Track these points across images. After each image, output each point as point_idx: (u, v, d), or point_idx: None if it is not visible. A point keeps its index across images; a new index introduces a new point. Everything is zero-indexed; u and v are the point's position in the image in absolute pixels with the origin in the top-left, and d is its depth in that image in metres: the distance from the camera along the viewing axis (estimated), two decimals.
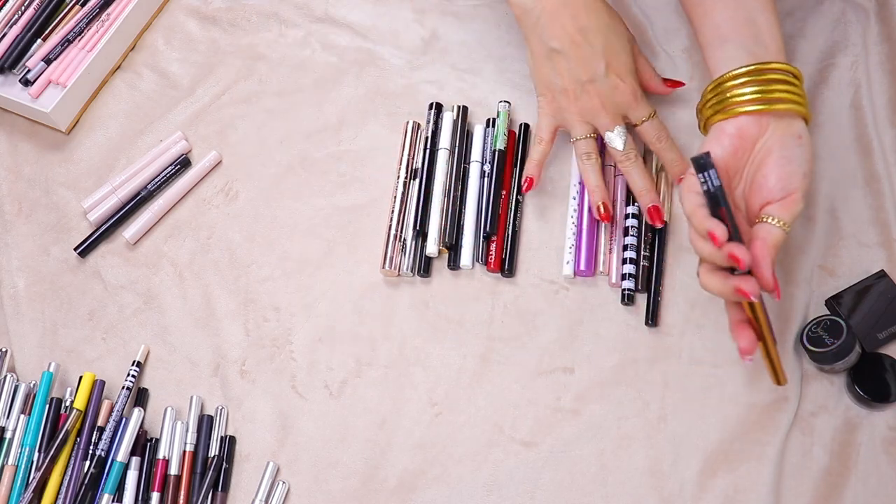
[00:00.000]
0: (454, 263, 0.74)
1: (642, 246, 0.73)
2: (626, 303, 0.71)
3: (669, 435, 0.67)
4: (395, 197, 0.77)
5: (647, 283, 0.72)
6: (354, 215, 0.78)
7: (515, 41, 0.85)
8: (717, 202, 0.56)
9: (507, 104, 0.80)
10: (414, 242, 0.75)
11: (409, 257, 0.75)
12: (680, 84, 0.75)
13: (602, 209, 0.71)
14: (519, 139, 0.79)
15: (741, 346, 0.58)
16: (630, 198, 0.75)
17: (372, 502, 0.67)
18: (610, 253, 0.73)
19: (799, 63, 0.81)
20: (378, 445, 0.69)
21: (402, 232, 0.75)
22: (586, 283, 0.73)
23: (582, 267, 0.73)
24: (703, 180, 0.56)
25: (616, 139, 0.70)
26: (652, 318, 0.70)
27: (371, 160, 0.81)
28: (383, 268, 0.74)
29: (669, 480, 0.66)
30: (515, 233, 0.75)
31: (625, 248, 0.73)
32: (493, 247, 0.74)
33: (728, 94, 0.61)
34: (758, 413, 0.67)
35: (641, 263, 0.72)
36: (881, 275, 0.70)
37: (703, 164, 0.56)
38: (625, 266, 0.72)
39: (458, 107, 0.80)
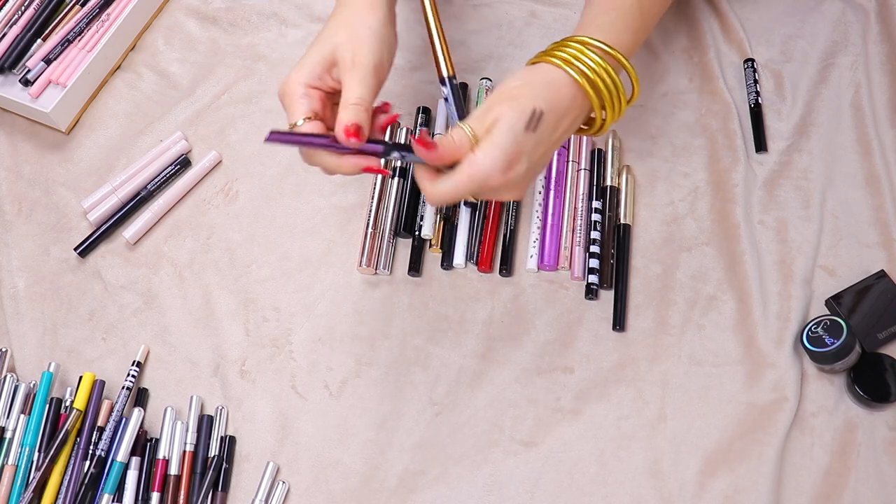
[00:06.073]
0: (447, 263, 0.75)
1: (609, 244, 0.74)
2: (590, 297, 0.72)
3: (669, 435, 0.67)
4: (374, 195, 0.77)
5: (614, 283, 0.73)
6: (354, 215, 0.78)
7: (516, 41, 0.85)
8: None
9: (487, 81, 0.81)
10: (390, 241, 0.76)
11: (385, 255, 0.75)
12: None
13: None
14: None
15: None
16: (595, 192, 0.76)
17: (372, 502, 0.67)
18: (573, 247, 0.74)
19: (799, 63, 0.81)
20: (378, 445, 0.69)
21: (379, 230, 0.76)
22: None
23: (545, 261, 0.73)
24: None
25: None
26: (619, 322, 0.71)
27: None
28: (360, 266, 0.75)
29: (669, 480, 0.66)
30: (512, 232, 0.75)
31: (591, 242, 0.74)
32: (484, 246, 0.75)
33: (574, 50, 0.60)
34: (758, 413, 0.67)
35: (608, 261, 0.73)
36: (881, 275, 0.70)
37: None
38: (590, 260, 0.73)
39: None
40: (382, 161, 0.57)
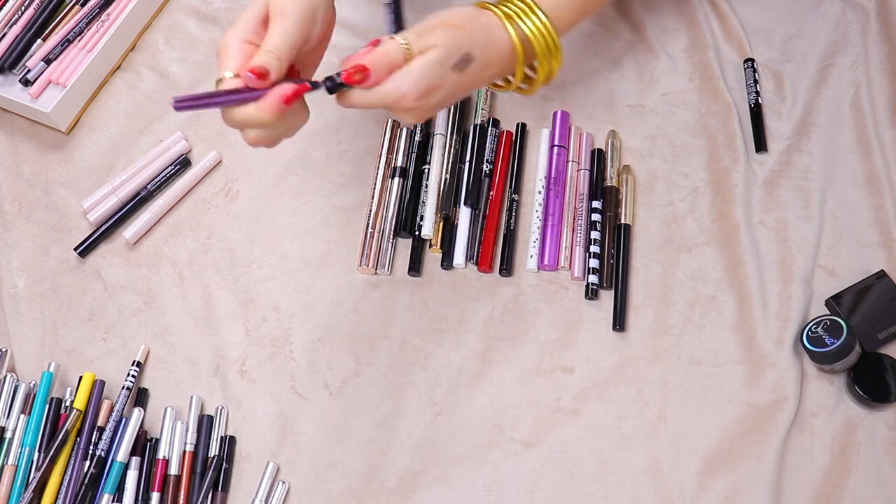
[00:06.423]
0: (447, 263, 0.75)
1: (606, 245, 0.74)
2: (590, 297, 0.72)
3: (669, 435, 0.67)
4: (374, 195, 0.78)
5: (614, 283, 0.73)
6: (354, 215, 0.78)
7: None
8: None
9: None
10: (390, 241, 0.76)
11: (386, 255, 0.75)
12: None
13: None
14: (516, 140, 0.80)
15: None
16: (596, 192, 0.76)
17: (372, 502, 0.67)
18: (573, 247, 0.74)
19: (799, 63, 0.81)
20: (378, 445, 0.69)
21: (378, 230, 0.76)
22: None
23: (545, 261, 0.73)
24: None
25: None
26: (619, 322, 0.71)
27: (371, 160, 0.81)
28: (359, 266, 0.75)
29: (669, 480, 0.66)
30: (512, 232, 0.75)
31: (591, 242, 0.74)
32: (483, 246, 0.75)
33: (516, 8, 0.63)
34: (758, 413, 0.67)
35: (608, 261, 0.73)
36: (881, 275, 0.70)
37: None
38: (591, 260, 0.73)
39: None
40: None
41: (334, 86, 0.56)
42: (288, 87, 0.55)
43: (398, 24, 0.63)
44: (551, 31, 0.63)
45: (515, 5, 0.63)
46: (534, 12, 0.63)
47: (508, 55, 0.63)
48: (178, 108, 0.52)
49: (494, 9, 0.63)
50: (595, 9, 0.69)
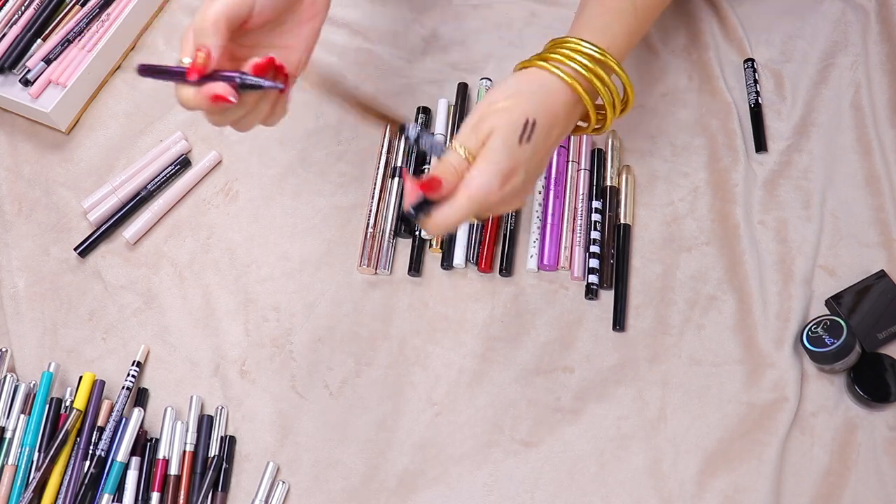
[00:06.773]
0: (447, 263, 0.75)
1: (607, 244, 0.74)
2: (590, 297, 0.72)
3: (669, 435, 0.67)
4: (374, 195, 0.78)
5: (614, 283, 0.73)
6: (354, 215, 0.78)
7: (516, 41, 0.85)
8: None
9: (487, 81, 0.81)
10: (390, 241, 0.76)
11: (385, 255, 0.75)
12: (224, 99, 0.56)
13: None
14: None
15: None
16: (596, 192, 0.76)
17: (372, 502, 0.67)
18: (573, 247, 0.74)
19: (799, 63, 0.81)
20: (378, 445, 0.69)
21: (378, 230, 0.76)
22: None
23: (545, 261, 0.73)
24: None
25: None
26: (619, 322, 0.71)
27: (371, 160, 0.81)
28: (359, 266, 0.75)
29: (669, 480, 0.66)
30: (512, 232, 0.75)
31: (591, 242, 0.74)
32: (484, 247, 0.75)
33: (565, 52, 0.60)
34: (758, 413, 0.67)
35: (608, 261, 0.73)
36: (881, 275, 0.70)
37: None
38: (590, 260, 0.73)
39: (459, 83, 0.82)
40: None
41: (409, 216, 0.55)
42: (220, 87, 0.54)
43: (438, 141, 0.58)
44: (597, 70, 0.59)
45: (565, 47, 0.59)
46: (579, 47, 0.59)
47: (570, 100, 0.59)
48: (141, 73, 0.56)
49: (540, 62, 0.59)
50: (649, 24, 0.65)
